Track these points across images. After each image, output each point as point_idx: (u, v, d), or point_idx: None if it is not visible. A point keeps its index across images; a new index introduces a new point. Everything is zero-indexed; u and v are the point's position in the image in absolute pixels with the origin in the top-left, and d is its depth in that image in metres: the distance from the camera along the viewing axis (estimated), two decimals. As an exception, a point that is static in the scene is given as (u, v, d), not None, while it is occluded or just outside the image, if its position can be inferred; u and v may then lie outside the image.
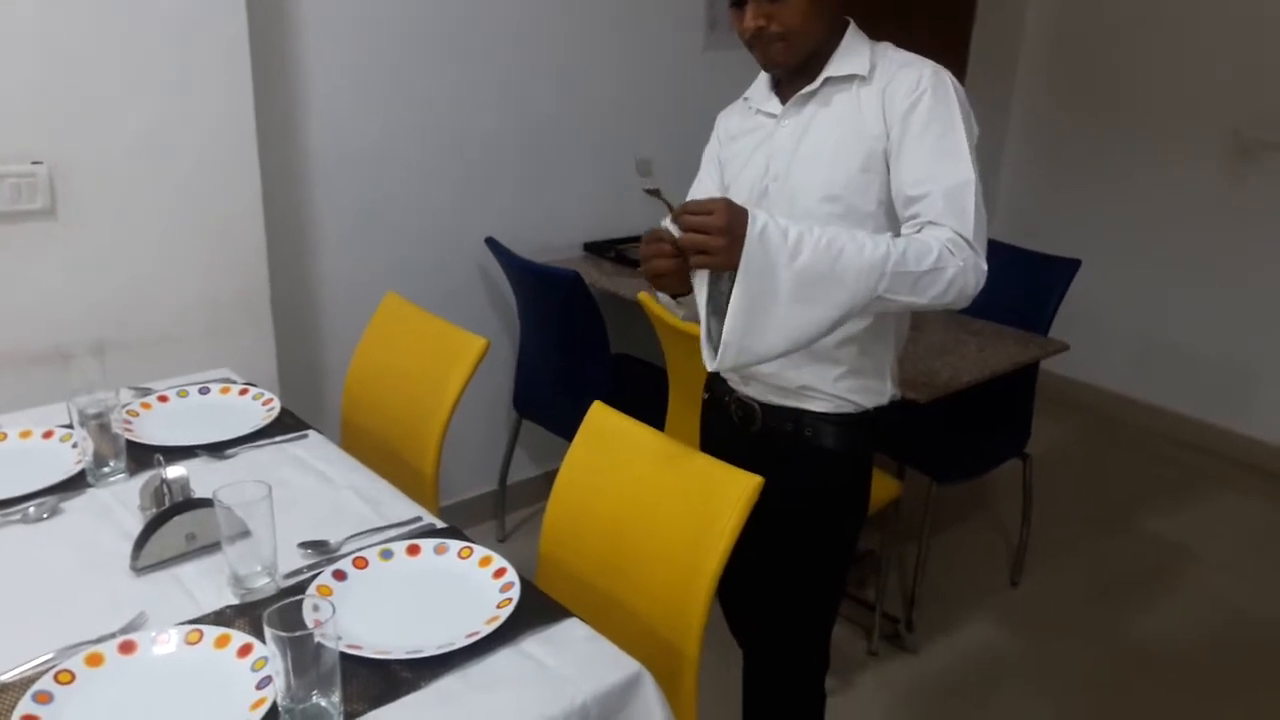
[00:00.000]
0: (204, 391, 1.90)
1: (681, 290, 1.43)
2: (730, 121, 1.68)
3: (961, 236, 1.36)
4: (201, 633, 1.17)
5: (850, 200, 1.46)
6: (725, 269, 1.30)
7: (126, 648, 1.14)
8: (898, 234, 1.43)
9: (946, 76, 1.45)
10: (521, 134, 2.88)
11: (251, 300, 2.28)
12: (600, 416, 1.62)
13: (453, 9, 2.64)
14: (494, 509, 3.09)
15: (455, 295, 2.85)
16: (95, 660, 1.12)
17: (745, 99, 1.66)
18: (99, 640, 1.16)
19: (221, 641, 1.16)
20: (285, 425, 1.78)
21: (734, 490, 1.38)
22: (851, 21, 1.53)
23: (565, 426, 2.22)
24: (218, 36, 2.09)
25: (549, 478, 1.65)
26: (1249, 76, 3.57)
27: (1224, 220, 3.73)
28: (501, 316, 3.00)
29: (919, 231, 1.38)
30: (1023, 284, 2.71)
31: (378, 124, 2.61)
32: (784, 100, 1.55)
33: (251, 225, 2.24)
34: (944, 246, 1.34)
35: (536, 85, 2.87)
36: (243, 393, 1.89)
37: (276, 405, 1.83)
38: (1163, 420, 3.96)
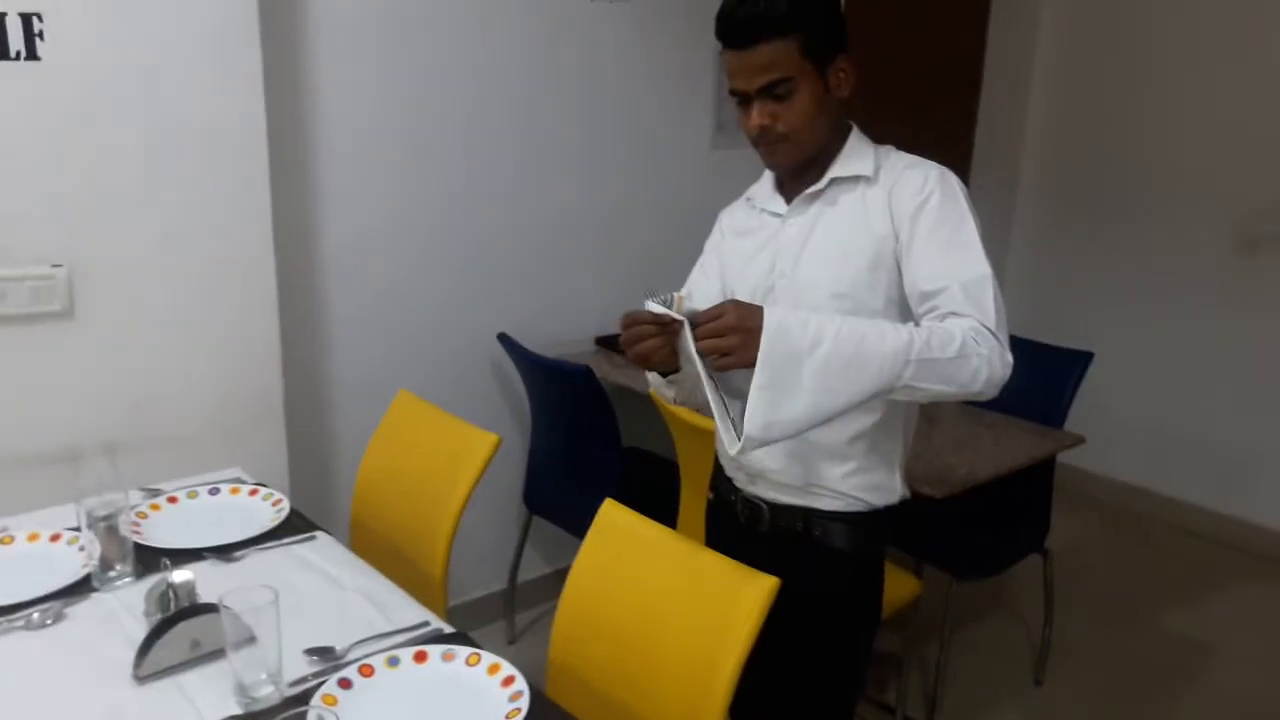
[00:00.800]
0: (214, 492, 1.89)
1: (671, 367, 1.42)
2: (734, 219, 1.68)
3: (985, 326, 1.34)
4: (202, 746, 1.14)
5: (858, 297, 1.46)
6: (747, 365, 1.29)
7: (125, 762, 1.12)
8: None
9: (952, 177, 1.47)
10: (533, 229, 2.93)
11: (264, 400, 2.29)
12: (611, 515, 1.60)
13: (465, 107, 2.71)
14: (504, 608, 3.04)
15: (468, 391, 2.86)
16: (92, 776, 1.09)
17: (748, 198, 1.67)
18: (97, 754, 1.13)
19: (222, 755, 1.13)
20: (294, 526, 1.77)
21: (749, 592, 1.35)
22: (854, 125, 1.56)
23: (576, 523, 2.19)
24: (237, 140, 2.14)
25: (560, 575, 1.62)
26: (1252, 172, 3.60)
27: (1232, 313, 3.73)
28: (514, 411, 3.00)
29: (941, 321, 1.36)
30: (1036, 377, 2.69)
31: (391, 222, 2.65)
32: (789, 200, 1.56)
33: (266, 324, 2.26)
34: (967, 334, 1.32)
35: (548, 183, 2.93)
36: (253, 493, 1.89)
37: (286, 506, 1.82)
38: (1180, 513, 3.89)
